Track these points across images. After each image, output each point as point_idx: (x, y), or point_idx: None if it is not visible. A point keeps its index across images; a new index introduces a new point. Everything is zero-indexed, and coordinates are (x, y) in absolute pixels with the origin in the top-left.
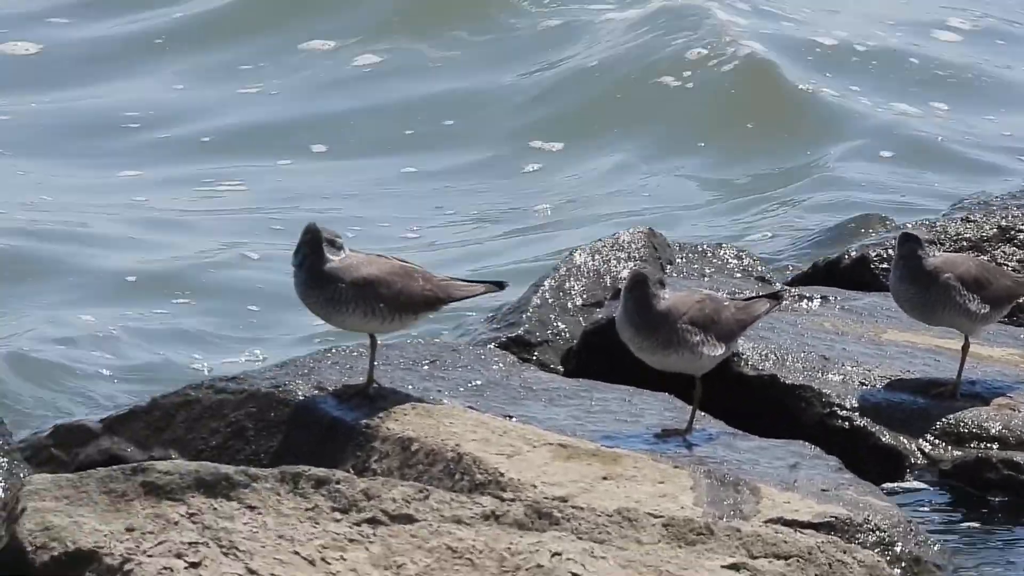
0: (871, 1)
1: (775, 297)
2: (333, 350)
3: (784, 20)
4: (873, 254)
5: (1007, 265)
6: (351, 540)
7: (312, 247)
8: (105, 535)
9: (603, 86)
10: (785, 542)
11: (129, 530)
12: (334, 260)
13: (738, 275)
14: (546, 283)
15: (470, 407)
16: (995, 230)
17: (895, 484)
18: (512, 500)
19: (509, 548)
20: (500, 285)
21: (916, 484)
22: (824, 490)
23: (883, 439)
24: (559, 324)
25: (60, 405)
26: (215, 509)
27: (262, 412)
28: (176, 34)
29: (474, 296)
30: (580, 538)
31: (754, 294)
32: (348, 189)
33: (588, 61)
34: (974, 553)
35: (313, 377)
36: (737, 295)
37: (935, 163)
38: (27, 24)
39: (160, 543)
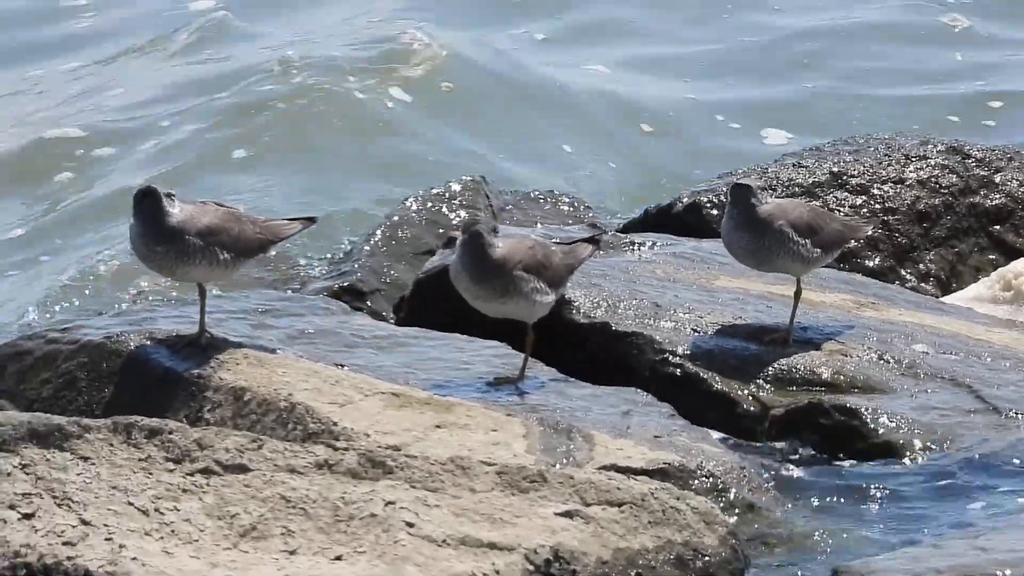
0: None
1: (594, 241)
2: (164, 300)
3: None
4: (705, 200)
5: (839, 210)
6: (185, 490)
7: (154, 204)
8: None
9: None
10: (619, 489)
11: None
12: (175, 214)
13: (570, 222)
14: (378, 232)
15: (302, 356)
16: (827, 175)
17: (728, 430)
18: (345, 449)
19: (343, 497)
20: (312, 220)
21: (749, 430)
22: (657, 437)
23: (715, 385)
24: (391, 272)
25: None
26: (48, 460)
27: (94, 363)
28: None
29: (297, 233)
30: (414, 487)
31: (576, 238)
32: None
33: None
34: (808, 498)
35: (145, 327)
36: (563, 241)
37: None
38: None
39: None
